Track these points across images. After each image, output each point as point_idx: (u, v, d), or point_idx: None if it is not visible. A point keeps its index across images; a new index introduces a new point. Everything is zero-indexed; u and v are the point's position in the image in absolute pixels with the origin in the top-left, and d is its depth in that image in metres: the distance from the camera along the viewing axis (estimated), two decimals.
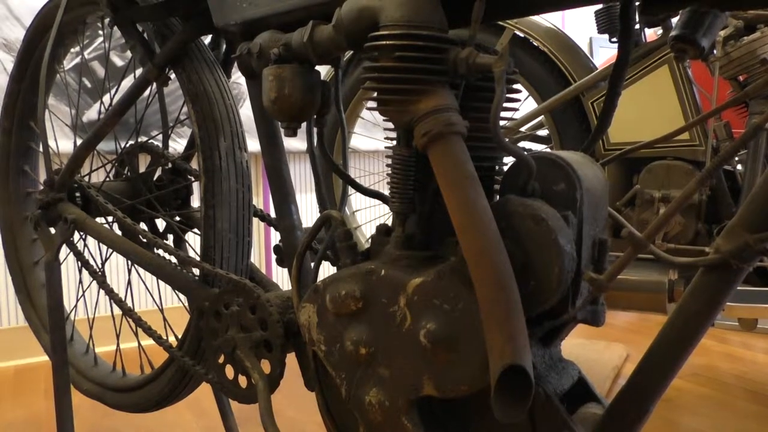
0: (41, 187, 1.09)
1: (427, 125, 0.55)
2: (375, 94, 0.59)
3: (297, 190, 2.23)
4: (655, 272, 1.33)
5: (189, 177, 1.13)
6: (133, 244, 0.94)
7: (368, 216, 2.30)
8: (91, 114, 1.81)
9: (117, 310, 1.01)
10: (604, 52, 2.99)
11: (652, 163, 1.33)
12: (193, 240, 1.85)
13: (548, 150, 1.84)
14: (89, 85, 1.81)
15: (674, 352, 0.56)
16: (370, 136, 2.10)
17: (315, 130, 0.76)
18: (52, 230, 1.06)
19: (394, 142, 0.64)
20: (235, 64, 0.93)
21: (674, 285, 1.32)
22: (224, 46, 1.00)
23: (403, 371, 0.60)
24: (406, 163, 0.61)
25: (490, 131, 0.59)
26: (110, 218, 1.05)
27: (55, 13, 1.12)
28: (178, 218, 1.15)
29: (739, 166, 1.40)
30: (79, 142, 1.06)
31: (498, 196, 0.63)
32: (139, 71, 0.93)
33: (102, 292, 1.01)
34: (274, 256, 0.88)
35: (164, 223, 1.16)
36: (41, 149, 1.29)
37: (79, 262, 1.03)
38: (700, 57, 0.66)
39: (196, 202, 1.16)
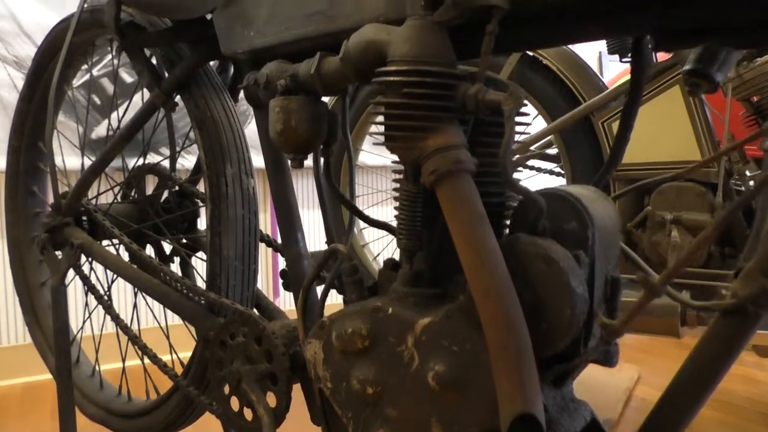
0: (49, 208, 1.09)
1: (435, 163, 0.54)
2: (382, 129, 0.59)
3: (304, 206, 2.22)
4: (668, 296, 1.30)
5: (196, 200, 1.12)
6: (138, 271, 0.94)
7: (375, 234, 2.29)
8: (100, 131, 1.82)
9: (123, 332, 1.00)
10: (614, 67, 2.97)
11: (663, 184, 1.32)
12: (201, 265, 1.84)
13: (556, 169, 1.83)
14: (98, 101, 1.82)
15: (690, 396, 0.54)
16: (379, 153, 2.09)
17: (321, 159, 0.75)
18: (59, 254, 1.06)
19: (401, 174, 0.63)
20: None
21: (687, 309, 1.30)
22: (231, 71, 1.00)
23: (410, 412, 0.59)
24: (413, 199, 0.60)
25: (498, 163, 0.58)
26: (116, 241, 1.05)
27: (63, 35, 1.12)
28: (184, 240, 1.15)
29: (752, 186, 1.38)
30: (87, 161, 1.05)
31: (507, 232, 0.62)
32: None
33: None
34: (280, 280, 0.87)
35: (171, 245, 1.15)
36: (48, 166, 1.30)
37: (85, 287, 1.03)
38: (714, 91, 0.65)
39: (202, 224, 1.16)
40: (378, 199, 2.31)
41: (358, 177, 2.27)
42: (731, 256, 1.32)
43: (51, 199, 1.31)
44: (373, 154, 2.07)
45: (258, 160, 1.09)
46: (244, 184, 0.89)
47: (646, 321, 1.33)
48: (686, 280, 1.27)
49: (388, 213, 2.38)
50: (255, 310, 0.94)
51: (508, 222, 0.64)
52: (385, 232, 2.41)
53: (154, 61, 0.95)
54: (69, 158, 1.72)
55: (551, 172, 1.78)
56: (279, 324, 0.84)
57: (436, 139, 0.55)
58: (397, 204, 0.62)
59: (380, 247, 2.12)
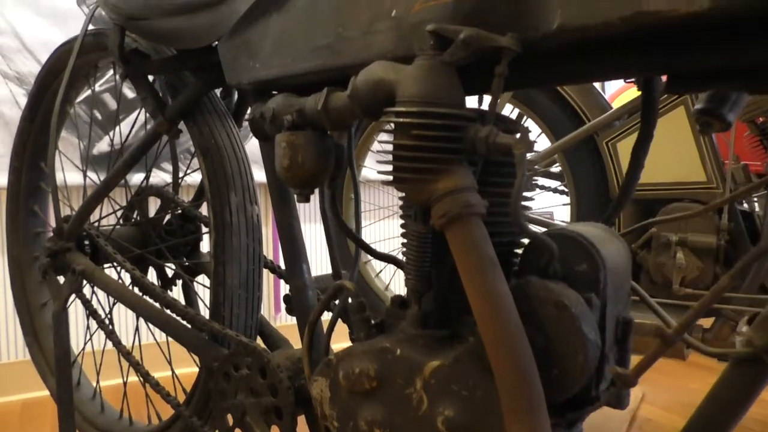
0: (50, 227, 1.08)
1: (445, 206, 0.54)
2: (390, 168, 0.58)
3: (306, 220, 2.21)
4: (673, 317, 1.29)
5: (198, 223, 1.11)
6: (141, 298, 0.93)
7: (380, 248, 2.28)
8: (102, 146, 1.81)
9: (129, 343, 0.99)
10: (616, 82, 2.97)
11: (668, 206, 1.31)
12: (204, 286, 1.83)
13: (560, 187, 1.82)
14: (99, 117, 1.81)
15: None
16: (381, 171, 2.08)
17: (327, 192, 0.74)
18: (60, 278, 1.05)
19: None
20: (247, 113, 0.92)
21: (692, 331, 1.29)
22: (236, 96, 0.99)
23: None
24: (422, 240, 0.59)
25: (509, 207, 0.57)
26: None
27: (66, 57, 1.11)
28: (186, 262, 1.14)
29: (757, 207, 1.37)
30: (88, 178, 1.05)
31: (517, 270, 0.61)
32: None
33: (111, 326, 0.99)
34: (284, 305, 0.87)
35: (173, 266, 1.14)
36: (50, 190, 1.29)
37: (87, 311, 1.02)
38: (726, 130, 0.65)
39: (205, 247, 1.15)
40: (382, 215, 2.30)
41: (361, 193, 2.26)
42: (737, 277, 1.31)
43: (52, 219, 1.30)
44: (378, 171, 2.06)
45: (259, 175, 1.09)
46: (248, 212, 0.89)
47: (651, 342, 1.33)
48: (691, 303, 1.26)
49: (391, 228, 2.37)
50: (258, 338, 0.94)
51: (517, 259, 0.63)
52: (397, 247, 2.40)
53: (157, 86, 0.95)
54: (69, 174, 1.72)
55: (555, 190, 1.77)
56: (283, 355, 0.83)
57: (446, 182, 0.54)
58: (403, 229, 0.62)
59: (390, 272, 2.12)
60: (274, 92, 0.79)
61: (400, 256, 0.74)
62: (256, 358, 0.78)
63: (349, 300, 0.67)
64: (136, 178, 1.78)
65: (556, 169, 1.74)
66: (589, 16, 0.50)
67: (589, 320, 0.53)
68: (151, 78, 0.93)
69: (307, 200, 0.70)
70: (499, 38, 0.54)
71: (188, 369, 0.96)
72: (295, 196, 0.70)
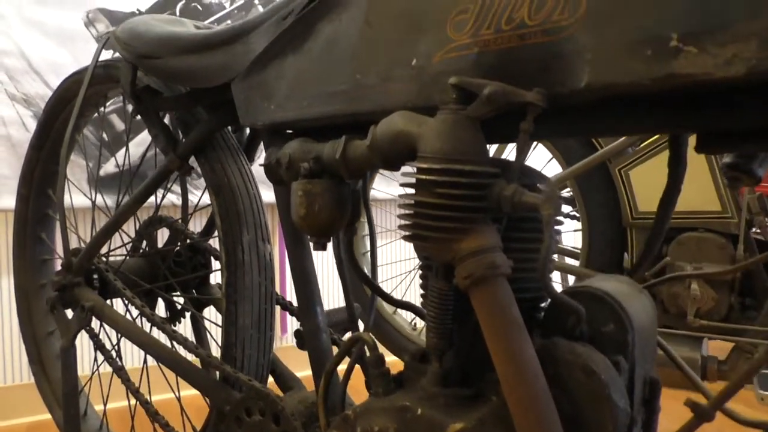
0: (57, 255, 1.07)
1: (470, 267, 0.52)
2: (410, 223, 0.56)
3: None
4: (688, 348, 1.28)
5: (208, 256, 1.10)
6: (151, 337, 0.91)
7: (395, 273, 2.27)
8: (108, 168, 1.80)
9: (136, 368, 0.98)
10: None
11: (682, 235, 1.29)
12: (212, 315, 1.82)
13: (572, 213, 1.81)
14: (107, 138, 1.80)
15: None
16: (401, 225, 2.07)
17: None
18: (68, 311, 1.03)
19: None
20: (259, 148, 0.91)
21: (707, 362, 1.27)
22: (248, 131, 0.98)
23: None
24: (444, 297, 0.58)
25: (536, 265, 0.56)
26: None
27: (76, 87, 1.10)
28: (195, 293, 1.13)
29: None
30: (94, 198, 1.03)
31: (542, 328, 0.60)
32: None
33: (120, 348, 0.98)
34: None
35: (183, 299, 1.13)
36: (57, 217, 1.28)
37: (95, 347, 1.01)
38: (756, 185, 0.63)
39: (213, 277, 1.14)
40: (389, 237, 2.28)
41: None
42: (752, 307, 1.30)
43: (59, 246, 1.29)
44: (384, 192, 2.06)
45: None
46: (260, 250, 0.87)
47: (666, 373, 1.31)
48: (706, 334, 1.25)
49: (398, 251, 2.34)
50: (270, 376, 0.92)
51: (541, 314, 0.62)
52: (404, 271, 2.39)
53: (167, 120, 0.93)
54: (76, 196, 1.71)
55: (566, 215, 1.76)
56: (296, 398, 0.81)
57: (470, 242, 0.53)
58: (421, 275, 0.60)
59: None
60: (288, 130, 0.77)
61: (404, 277, 0.73)
62: (270, 404, 0.76)
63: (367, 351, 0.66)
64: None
65: (566, 193, 1.73)
66: (619, 76, 0.49)
67: (618, 386, 0.52)
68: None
69: (324, 248, 0.68)
70: (524, 93, 0.52)
71: (192, 392, 0.94)
72: (311, 244, 0.69)
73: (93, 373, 1.24)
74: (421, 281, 0.63)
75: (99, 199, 1.71)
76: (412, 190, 0.56)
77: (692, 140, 0.60)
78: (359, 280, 0.73)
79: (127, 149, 1.67)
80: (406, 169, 1.19)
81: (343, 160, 0.64)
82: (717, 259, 1.25)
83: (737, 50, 0.44)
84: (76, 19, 1.75)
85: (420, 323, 1.92)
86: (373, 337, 0.66)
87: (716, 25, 0.44)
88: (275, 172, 0.71)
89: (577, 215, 1.54)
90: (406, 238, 0.57)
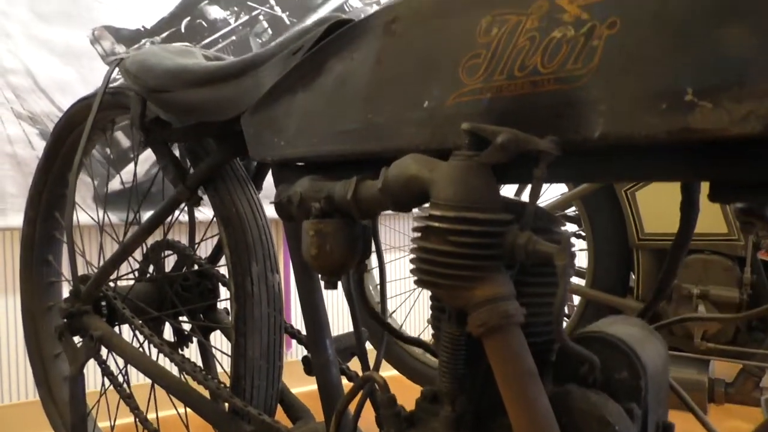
0: (64, 277, 1.07)
1: (483, 316, 0.52)
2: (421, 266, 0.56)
3: None
4: (695, 370, 1.28)
5: (215, 280, 1.10)
6: (160, 367, 0.91)
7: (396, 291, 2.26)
8: (113, 185, 1.80)
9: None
10: None
11: (689, 257, 1.29)
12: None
13: (578, 232, 1.80)
14: (112, 155, 1.81)
15: None
16: (413, 269, 2.06)
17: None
18: (77, 339, 1.04)
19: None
20: (267, 176, 0.90)
21: (715, 385, 1.27)
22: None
23: None
24: (456, 342, 0.58)
25: (547, 306, 0.56)
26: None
27: (84, 112, 1.11)
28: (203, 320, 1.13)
29: None
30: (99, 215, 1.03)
31: (555, 373, 0.59)
32: None
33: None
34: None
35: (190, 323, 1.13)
36: (64, 239, 1.28)
37: (104, 374, 1.01)
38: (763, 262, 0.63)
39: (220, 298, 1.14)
40: (395, 254, 2.28)
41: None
42: (759, 329, 1.30)
43: (65, 269, 1.29)
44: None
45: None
46: (269, 281, 0.87)
47: (673, 396, 1.30)
48: (713, 357, 1.24)
49: (400, 269, 2.33)
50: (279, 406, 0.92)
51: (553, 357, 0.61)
52: (406, 289, 2.38)
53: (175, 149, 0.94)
54: (80, 213, 1.71)
55: (572, 234, 1.75)
56: (305, 430, 0.81)
57: (483, 290, 0.53)
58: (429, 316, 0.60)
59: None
60: (299, 162, 0.77)
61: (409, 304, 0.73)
62: None
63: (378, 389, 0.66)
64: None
65: (572, 212, 1.73)
66: (633, 128, 0.49)
67: None
68: None
69: (335, 287, 0.68)
70: (537, 141, 0.52)
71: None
72: (323, 282, 0.69)
73: (101, 396, 1.24)
74: (432, 321, 0.63)
75: (105, 218, 1.71)
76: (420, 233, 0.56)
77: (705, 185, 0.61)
78: (369, 317, 0.73)
79: (135, 174, 1.67)
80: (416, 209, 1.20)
81: (354, 201, 0.64)
82: (723, 281, 1.25)
83: (753, 107, 0.43)
84: (82, 36, 1.75)
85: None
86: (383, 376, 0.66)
87: (732, 82, 0.44)
88: (286, 210, 0.71)
89: (583, 234, 1.54)
90: (418, 283, 0.57)
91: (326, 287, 0.68)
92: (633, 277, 1.41)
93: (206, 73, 0.80)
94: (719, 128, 0.45)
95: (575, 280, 1.76)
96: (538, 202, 0.56)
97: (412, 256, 0.57)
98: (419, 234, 0.55)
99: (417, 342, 0.74)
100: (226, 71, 0.79)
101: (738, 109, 0.44)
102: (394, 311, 1.86)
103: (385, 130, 0.63)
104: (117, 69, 0.93)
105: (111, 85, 1.02)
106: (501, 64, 0.55)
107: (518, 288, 0.56)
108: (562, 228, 0.63)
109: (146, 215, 1.05)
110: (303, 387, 1.25)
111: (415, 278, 0.56)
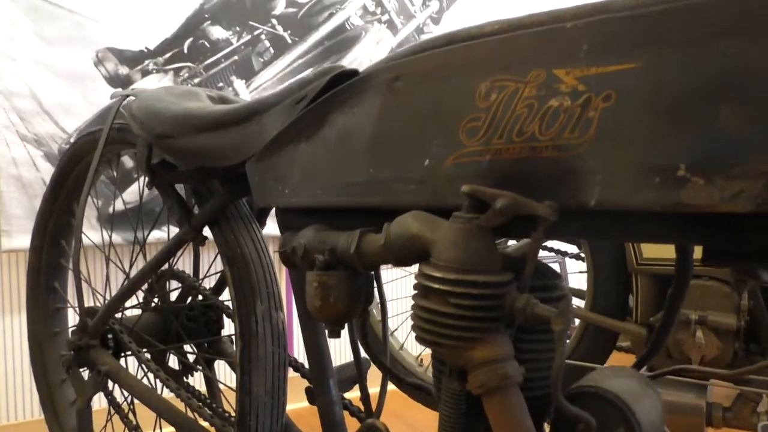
0: (70, 304, 1.08)
1: (483, 377, 0.54)
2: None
3: None
4: (693, 395, 1.29)
5: (219, 311, 1.12)
6: (166, 402, 0.93)
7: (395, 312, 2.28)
8: (117, 205, 1.82)
9: None
10: None
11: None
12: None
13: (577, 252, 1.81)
14: (115, 174, 1.82)
15: None
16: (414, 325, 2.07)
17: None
18: (84, 370, 1.05)
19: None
20: (271, 213, 0.92)
21: (712, 409, 1.28)
22: None
23: None
24: (457, 398, 0.59)
25: (546, 361, 0.58)
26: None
27: (89, 146, 1.13)
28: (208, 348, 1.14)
29: None
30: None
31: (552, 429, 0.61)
32: None
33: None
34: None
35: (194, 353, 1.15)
36: (70, 266, 1.30)
37: (110, 405, 1.02)
38: (761, 287, 0.65)
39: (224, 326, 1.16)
40: (397, 273, 2.29)
41: None
42: (756, 353, 1.31)
43: (70, 295, 1.31)
44: None
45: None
46: (273, 319, 0.89)
47: (671, 419, 1.32)
48: (707, 382, 1.26)
49: (407, 286, 2.34)
50: None
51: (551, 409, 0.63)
52: (407, 308, 2.39)
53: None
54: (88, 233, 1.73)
55: (572, 256, 1.77)
56: None
57: (483, 351, 0.55)
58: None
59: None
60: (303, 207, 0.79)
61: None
62: None
63: None
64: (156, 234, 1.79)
65: None
66: (628, 199, 0.50)
67: None
68: None
69: (338, 336, 0.70)
70: (536, 206, 0.54)
71: None
72: (327, 331, 0.71)
73: (107, 422, 1.26)
74: (433, 374, 0.65)
75: (111, 237, 1.73)
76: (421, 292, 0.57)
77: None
78: (372, 361, 0.74)
79: (141, 198, 1.69)
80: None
81: (357, 255, 0.65)
82: (721, 307, 1.27)
83: (744, 186, 0.45)
84: (86, 58, 1.77)
85: (426, 359, 1.94)
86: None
87: (724, 161, 0.45)
88: (291, 260, 0.72)
89: (583, 256, 1.55)
90: (419, 340, 0.58)
91: (330, 336, 0.70)
92: (632, 299, 1.42)
93: (211, 119, 0.81)
94: (710, 204, 0.46)
95: (576, 302, 1.77)
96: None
97: (412, 279, 0.58)
98: (420, 292, 0.57)
99: (418, 386, 0.75)
100: (231, 117, 0.80)
101: (730, 187, 0.46)
102: (395, 330, 1.87)
103: (386, 185, 0.65)
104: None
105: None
106: (500, 128, 0.57)
107: (517, 345, 0.58)
108: (561, 283, 0.64)
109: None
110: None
111: (416, 335, 0.58)
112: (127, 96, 1.03)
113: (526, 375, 0.59)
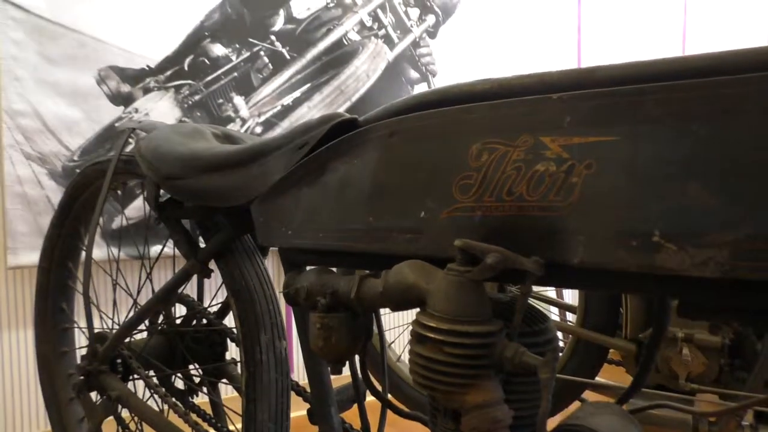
0: (77, 324, 1.12)
1: (474, 421, 0.58)
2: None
3: None
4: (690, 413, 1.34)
5: (223, 334, 1.16)
6: (177, 429, 0.97)
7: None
8: (119, 221, 1.86)
9: None
10: None
11: (675, 301, 1.35)
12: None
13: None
14: (119, 192, 1.86)
15: None
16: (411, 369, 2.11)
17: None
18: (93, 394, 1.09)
19: None
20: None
21: (699, 423, 1.33)
22: None
23: None
24: None
25: (535, 401, 0.62)
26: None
27: (95, 175, 1.16)
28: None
29: None
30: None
31: None
32: None
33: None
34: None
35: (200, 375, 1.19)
36: (77, 288, 1.34)
37: (118, 425, 1.06)
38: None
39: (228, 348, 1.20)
40: None
41: None
42: (741, 368, 1.36)
43: (77, 315, 1.35)
44: None
45: None
46: (277, 348, 0.93)
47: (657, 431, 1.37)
48: (694, 398, 1.31)
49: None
50: None
51: None
52: (400, 324, 2.44)
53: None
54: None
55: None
56: None
57: (475, 395, 0.59)
58: None
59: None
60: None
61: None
62: None
63: None
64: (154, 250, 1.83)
65: None
66: (607, 260, 0.54)
67: None
68: None
69: (340, 373, 0.74)
70: (524, 261, 0.58)
71: None
72: (329, 368, 0.75)
73: None
74: (429, 411, 0.69)
75: (116, 252, 1.77)
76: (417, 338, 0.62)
77: None
78: (372, 393, 0.79)
79: (148, 222, 1.72)
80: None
81: (357, 299, 0.69)
82: (708, 326, 1.31)
83: (712, 254, 0.49)
84: (88, 77, 1.81)
85: None
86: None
87: (695, 229, 0.50)
88: (294, 300, 0.77)
89: None
90: (416, 384, 0.62)
91: (333, 373, 0.74)
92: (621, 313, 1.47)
93: (216, 161, 0.85)
94: (682, 269, 0.51)
95: (569, 316, 1.82)
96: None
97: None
98: (416, 339, 0.61)
99: (415, 417, 0.80)
100: (235, 159, 0.84)
101: (699, 254, 0.50)
102: (393, 342, 1.92)
103: (385, 234, 0.69)
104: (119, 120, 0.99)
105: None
106: (491, 187, 0.61)
107: (507, 387, 0.62)
108: (549, 326, 0.69)
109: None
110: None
111: (413, 379, 0.62)
112: (134, 129, 1.06)
113: (516, 414, 0.63)
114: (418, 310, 0.64)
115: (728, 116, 0.48)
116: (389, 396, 1.81)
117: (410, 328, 0.63)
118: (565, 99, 0.57)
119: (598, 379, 1.44)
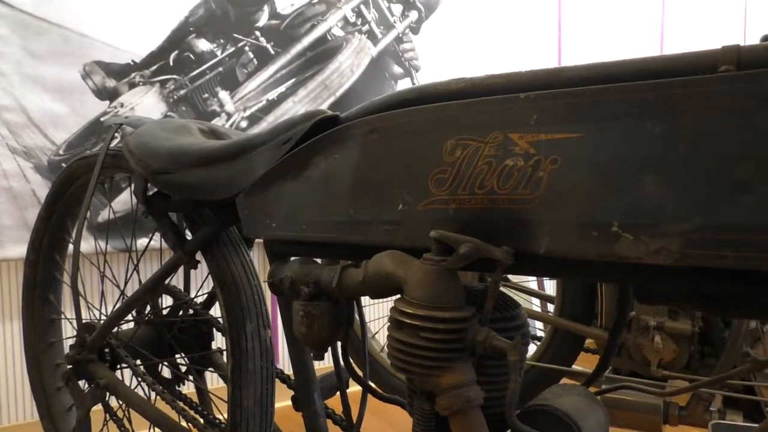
0: (64, 315, 1.14)
1: (448, 401, 0.62)
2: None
3: None
4: (652, 394, 1.39)
5: (209, 324, 1.19)
6: (163, 414, 1.00)
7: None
8: (105, 214, 1.87)
9: None
10: None
11: None
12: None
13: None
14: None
15: None
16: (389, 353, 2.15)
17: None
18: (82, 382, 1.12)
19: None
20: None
21: (669, 408, 1.39)
22: None
23: None
24: (427, 417, 0.68)
25: (504, 383, 0.66)
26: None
27: (83, 169, 1.18)
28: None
29: None
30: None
31: None
32: None
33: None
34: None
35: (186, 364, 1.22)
36: (64, 280, 1.36)
37: (107, 414, 1.09)
38: None
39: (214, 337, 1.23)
40: None
41: None
42: (710, 355, 1.41)
43: (64, 306, 1.37)
44: None
45: None
46: (262, 336, 0.96)
47: (630, 416, 1.42)
48: (664, 384, 1.36)
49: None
50: None
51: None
52: (383, 315, 2.48)
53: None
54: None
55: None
56: None
57: (448, 377, 0.63)
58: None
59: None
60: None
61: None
62: None
63: None
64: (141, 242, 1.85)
65: None
66: (571, 249, 0.58)
67: None
68: None
69: (322, 359, 0.78)
70: (494, 250, 0.62)
71: None
72: (312, 354, 0.78)
73: (104, 426, 1.33)
74: (407, 393, 0.73)
75: (92, 242, 1.79)
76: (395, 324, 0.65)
77: None
78: (353, 379, 0.82)
79: (135, 213, 1.74)
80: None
81: (339, 288, 0.73)
82: (680, 315, 1.36)
83: (665, 243, 0.54)
84: (74, 72, 1.82)
85: None
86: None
87: (648, 221, 0.54)
88: (278, 289, 0.80)
89: None
90: (393, 367, 0.66)
91: (315, 359, 0.78)
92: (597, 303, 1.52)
93: (203, 156, 0.88)
94: (638, 257, 0.55)
95: (549, 307, 1.86)
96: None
97: None
98: (394, 324, 0.65)
99: (394, 401, 0.83)
100: (222, 154, 0.87)
101: (652, 243, 0.54)
102: (376, 333, 1.96)
103: (365, 225, 0.73)
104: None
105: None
106: (464, 181, 0.64)
107: (479, 369, 0.66)
108: (520, 312, 0.73)
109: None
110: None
111: (391, 362, 0.66)
112: (121, 125, 1.09)
113: (487, 395, 0.67)
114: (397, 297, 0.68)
115: (678, 115, 0.52)
116: (370, 382, 1.86)
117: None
118: (532, 98, 0.60)
119: (574, 366, 1.49)
